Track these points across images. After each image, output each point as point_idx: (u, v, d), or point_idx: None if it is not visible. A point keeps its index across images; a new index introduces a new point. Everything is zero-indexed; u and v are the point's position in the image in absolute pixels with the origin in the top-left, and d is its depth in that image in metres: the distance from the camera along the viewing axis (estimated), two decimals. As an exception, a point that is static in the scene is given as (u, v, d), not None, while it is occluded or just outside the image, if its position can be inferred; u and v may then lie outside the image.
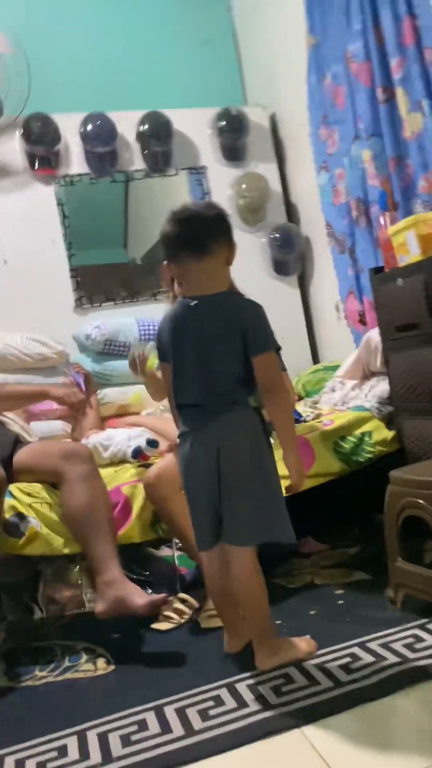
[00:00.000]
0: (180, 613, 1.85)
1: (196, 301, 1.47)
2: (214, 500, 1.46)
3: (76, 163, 3.37)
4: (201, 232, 1.44)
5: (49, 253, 3.28)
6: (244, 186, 3.52)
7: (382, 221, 2.28)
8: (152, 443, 2.16)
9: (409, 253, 2.03)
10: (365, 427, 2.30)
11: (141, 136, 3.41)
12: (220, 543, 1.50)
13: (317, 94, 3.19)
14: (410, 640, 1.48)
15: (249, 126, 3.55)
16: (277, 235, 3.51)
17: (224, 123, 3.51)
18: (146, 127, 3.37)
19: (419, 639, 1.48)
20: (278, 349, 1.47)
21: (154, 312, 3.21)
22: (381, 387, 2.36)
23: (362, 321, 3.07)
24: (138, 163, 3.47)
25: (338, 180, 3.13)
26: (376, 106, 2.74)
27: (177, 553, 2.11)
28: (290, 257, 3.55)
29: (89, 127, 3.29)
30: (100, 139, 3.30)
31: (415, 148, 2.58)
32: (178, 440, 1.55)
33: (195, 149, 3.56)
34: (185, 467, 1.51)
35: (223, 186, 3.54)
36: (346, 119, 2.96)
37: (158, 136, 3.38)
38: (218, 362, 1.45)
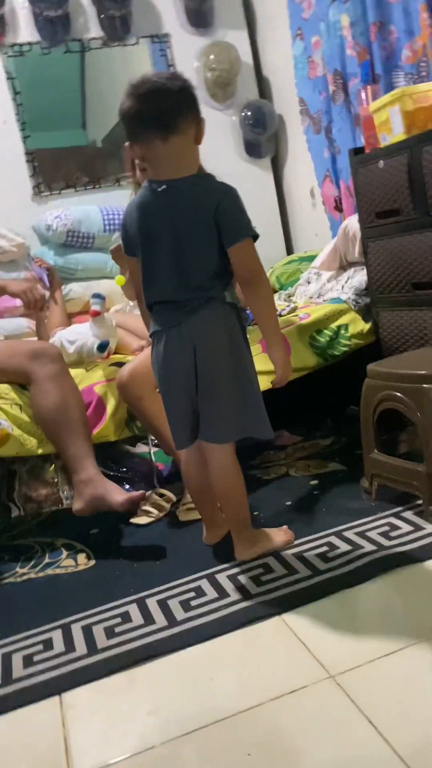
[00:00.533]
0: (158, 507, 1.87)
1: (164, 186, 1.36)
2: (191, 398, 1.42)
3: (24, 29, 3.04)
4: (165, 107, 1.30)
5: (1, 134, 3.02)
6: (212, 57, 3.22)
7: (363, 96, 2.11)
8: (101, 347, 2.08)
9: (392, 131, 1.90)
10: (341, 320, 2.26)
11: (96, -3, 3.05)
12: (197, 440, 1.48)
13: None
14: (385, 528, 1.52)
15: (216, -15, 3.20)
16: (249, 113, 3.28)
17: (188, -19, 3.15)
18: (101, -15, 3.01)
19: (394, 527, 1.52)
20: (256, 237, 1.38)
21: (119, 199, 3.02)
22: (358, 278, 2.29)
23: (338, 207, 2.94)
24: (94, 30, 3.14)
25: (314, 49, 2.88)
26: (357, -38, 2.46)
27: (153, 449, 2.10)
28: (263, 138, 3.34)
29: (37, -15, 2.92)
30: (50, -1, 2.95)
31: (399, 12, 2.36)
32: (150, 339, 1.48)
33: (157, 14, 3.22)
34: (160, 367, 1.44)
35: (188, 57, 3.24)
36: (324, -24, 2.67)
37: (115, -3, 3.03)
38: (192, 254, 1.36)
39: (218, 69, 3.21)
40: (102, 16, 3.10)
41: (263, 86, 3.45)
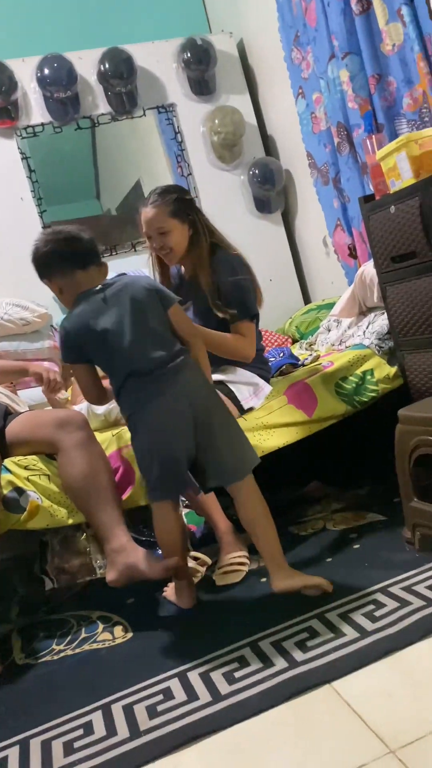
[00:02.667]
0: (193, 572, 1.81)
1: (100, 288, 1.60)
2: (190, 454, 1.55)
3: (36, 112, 3.17)
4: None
5: (19, 211, 3.12)
6: (216, 121, 3.33)
7: (368, 145, 2.13)
8: None
9: (401, 177, 1.91)
10: (366, 366, 2.23)
11: (102, 77, 3.20)
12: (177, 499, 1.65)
13: (287, 13, 2.98)
14: (433, 581, 1.45)
15: (216, 55, 3.34)
16: (257, 171, 3.35)
17: (189, 54, 3.29)
18: (107, 66, 3.16)
19: (442, 579, 1.44)
20: (181, 301, 1.65)
21: (135, 264, 3.08)
22: (379, 322, 2.27)
23: (352, 254, 2.96)
24: (102, 107, 3.27)
25: (316, 105, 2.96)
26: (351, 20, 2.55)
27: (185, 511, 2.05)
28: (272, 193, 3.40)
29: (46, 70, 3.08)
30: (59, 82, 3.09)
31: (396, 63, 2.42)
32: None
33: (161, 86, 3.36)
34: (157, 433, 1.55)
35: (194, 123, 3.36)
36: (319, 37, 2.77)
37: (120, 75, 3.17)
38: (152, 327, 1.57)
39: (223, 132, 3.31)
40: (109, 93, 3.24)
41: (268, 144, 3.55)
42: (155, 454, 1.55)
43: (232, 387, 2.04)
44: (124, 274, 1.68)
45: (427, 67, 2.27)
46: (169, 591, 1.72)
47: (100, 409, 2.10)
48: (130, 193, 3.84)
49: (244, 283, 2.02)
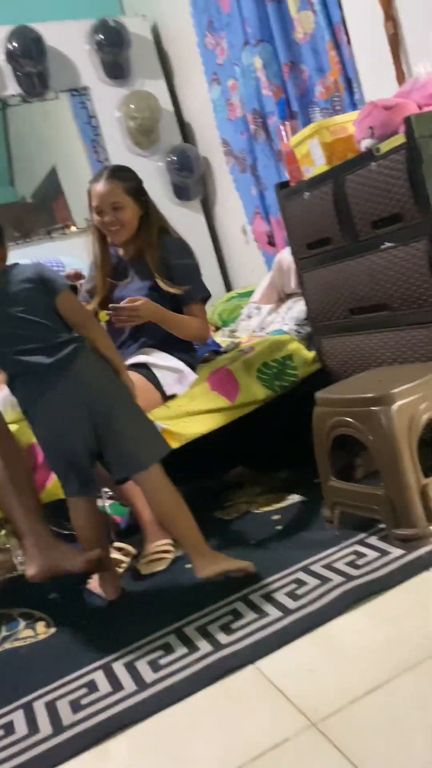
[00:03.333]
0: (117, 563, 1.79)
1: None
2: (91, 446, 1.53)
3: None
4: None
5: None
6: (132, 106, 3.28)
7: (282, 132, 2.15)
8: None
9: (314, 163, 1.94)
10: (286, 351, 2.26)
11: (10, 56, 3.07)
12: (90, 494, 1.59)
13: (200, -2, 2.96)
14: (352, 557, 1.49)
15: (130, 38, 3.27)
16: (174, 158, 3.33)
17: (102, 36, 3.22)
18: (15, 44, 3.04)
19: (360, 555, 1.49)
20: (73, 287, 1.60)
21: (50, 250, 2.99)
22: (297, 308, 2.31)
23: (271, 242, 2.99)
24: (12, 88, 3.16)
25: (231, 92, 2.96)
26: (263, 7, 2.56)
27: (108, 502, 2.02)
28: (190, 180, 3.39)
29: None
30: (-35, 61, 2.95)
31: (308, 52, 2.45)
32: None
33: (73, 68, 3.27)
34: (51, 428, 1.53)
35: (109, 107, 3.29)
36: (233, 23, 2.77)
37: (30, 55, 3.06)
38: (34, 320, 1.51)
39: (139, 117, 3.26)
40: (18, 73, 3.12)
41: (186, 131, 3.52)
42: (54, 449, 1.55)
43: (155, 371, 2.03)
44: (17, 264, 1.61)
45: (338, 56, 2.31)
46: (93, 583, 1.70)
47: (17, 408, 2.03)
48: (45, 180, 3.72)
49: (194, 266, 2.12)
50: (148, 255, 2.05)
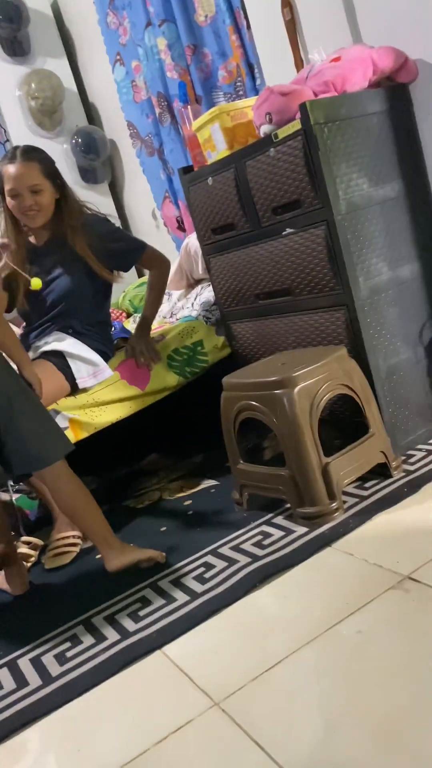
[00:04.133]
0: (26, 557, 1.75)
1: None
2: None
3: None
4: None
5: None
6: (33, 85, 3.16)
7: (185, 116, 2.14)
8: None
9: (216, 148, 1.93)
10: (196, 337, 2.26)
11: None
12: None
13: (101, -26, 2.88)
14: (258, 537, 1.52)
15: (28, 14, 3.14)
16: (79, 140, 3.24)
17: (-1, 11, 3.06)
18: None
19: (267, 535, 1.52)
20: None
21: None
22: (206, 294, 2.31)
23: (181, 227, 2.98)
24: None
25: (136, 74, 2.91)
26: (165, -13, 2.52)
27: (15, 496, 1.97)
28: (97, 164, 3.31)
29: None
30: None
31: (210, 35, 2.44)
32: None
33: (-31, 43, 3.10)
34: None
35: (9, 86, 3.16)
36: (134, 2, 2.71)
37: None
38: None
39: (41, 97, 3.15)
40: None
41: (91, 112, 3.43)
42: None
43: (70, 362, 1.96)
44: None
45: (239, 41, 2.31)
46: (0, 579, 1.65)
47: None
48: None
49: (118, 229, 2.19)
50: (74, 239, 1.97)
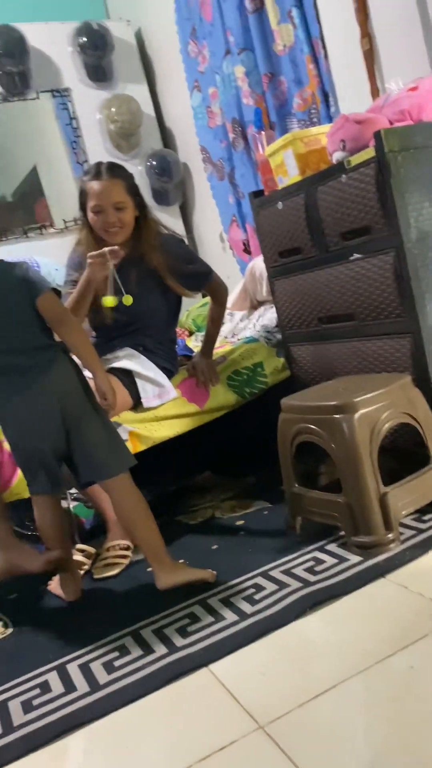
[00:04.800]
0: (79, 564, 1.78)
1: None
2: (59, 448, 1.54)
3: None
4: None
5: None
6: (113, 109, 3.28)
7: (258, 142, 2.18)
8: None
9: (288, 174, 1.96)
10: (257, 358, 2.28)
11: (-7, 55, 3.06)
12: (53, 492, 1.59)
13: (184, 5, 2.99)
14: (311, 563, 1.50)
15: (113, 42, 3.29)
16: (154, 162, 3.34)
17: (85, 39, 3.22)
18: (-3, 43, 3.03)
19: (319, 561, 1.50)
20: (55, 289, 1.58)
21: (26, 250, 2.98)
22: (268, 316, 2.33)
23: (246, 250, 3.01)
24: (-7, 87, 3.14)
25: (212, 100, 2.99)
26: (245, 17, 2.59)
27: (73, 504, 2.02)
28: (170, 186, 3.40)
29: None
30: None
31: (287, 63, 2.48)
32: None
33: (56, 69, 3.27)
34: (22, 428, 1.54)
35: (90, 110, 3.29)
36: (215, 32, 2.79)
37: (12, 54, 3.06)
38: (17, 320, 1.51)
39: (120, 121, 3.27)
40: (0, 73, 3.11)
41: (167, 136, 3.54)
42: (21, 448, 1.56)
43: (137, 381, 1.97)
44: (2, 260, 1.58)
45: (316, 69, 2.35)
46: (54, 584, 1.69)
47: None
48: (25, 179, 3.71)
49: (192, 252, 2.24)
50: (152, 257, 1.98)
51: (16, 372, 1.51)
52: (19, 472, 1.86)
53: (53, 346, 1.55)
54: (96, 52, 3.24)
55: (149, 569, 1.67)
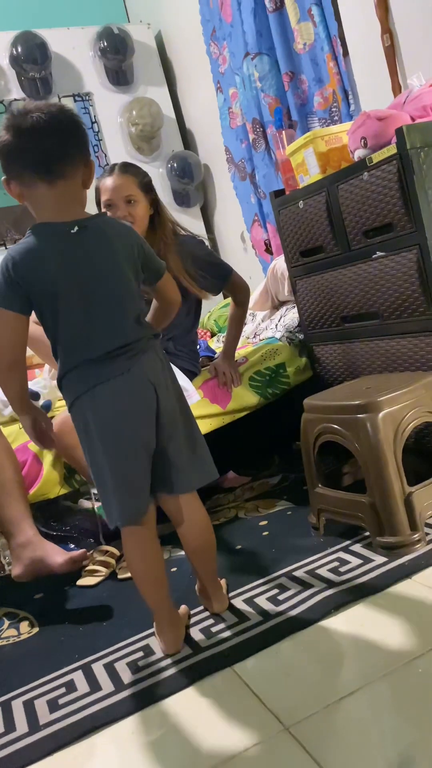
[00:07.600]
0: (105, 564, 1.79)
1: (76, 227, 1.19)
2: (150, 453, 1.26)
3: None
4: (51, 150, 1.16)
5: None
6: (134, 112, 3.30)
7: (279, 141, 2.17)
8: (45, 408, 2.00)
9: (309, 172, 1.95)
10: (279, 359, 2.27)
11: (15, 61, 3.10)
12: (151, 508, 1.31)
13: (205, 6, 3.00)
14: (335, 564, 1.49)
15: (133, 46, 3.30)
16: (175, 164, 3.35)
17: (106, 43, 3.25)
18: (19, 50, 3.07)
19: (343, 562, 1.49)
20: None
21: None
22: (290, 316, 2.32)
23: (268, 250, 3.01)
24: (16, 92, 3.18)
25: (233, 101, 2.99)
26: (265, 17, 2.59)
27: (97, 504, 2.03)
28: (190, 187, 3.41)
29: None
30: (-31, 64, 2.98)
31: (307, 62, 2.47)
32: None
33: (77, 74, 3.30)
34: (113, 424, 1.22)
35: (111, 113, 3.32)
36: (235, 33, 2.79)
37: (34, 60, 3.09)
38: (126, 296, 1.24)
39: (141, 123, 3.28)
40: (22, 78, 3.15)
41: (187, 138, 3.55)
42: (116, 447, 1.23)
43: None
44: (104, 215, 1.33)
45: (336, 67, 2.33)
46: (83, 579, 1.69)
47: (7, 410, 2.03)
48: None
49: (212, 253, 2.19)
50: (168, 256, 1.95)
51: (116, 354, 1.22)
52: (43, 473, 1.88)
53: (153, 335, 1.31)
54: (117, 56, 3.26)
55: (173, 569, 1.68)
